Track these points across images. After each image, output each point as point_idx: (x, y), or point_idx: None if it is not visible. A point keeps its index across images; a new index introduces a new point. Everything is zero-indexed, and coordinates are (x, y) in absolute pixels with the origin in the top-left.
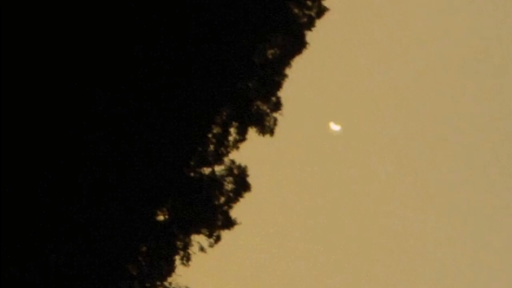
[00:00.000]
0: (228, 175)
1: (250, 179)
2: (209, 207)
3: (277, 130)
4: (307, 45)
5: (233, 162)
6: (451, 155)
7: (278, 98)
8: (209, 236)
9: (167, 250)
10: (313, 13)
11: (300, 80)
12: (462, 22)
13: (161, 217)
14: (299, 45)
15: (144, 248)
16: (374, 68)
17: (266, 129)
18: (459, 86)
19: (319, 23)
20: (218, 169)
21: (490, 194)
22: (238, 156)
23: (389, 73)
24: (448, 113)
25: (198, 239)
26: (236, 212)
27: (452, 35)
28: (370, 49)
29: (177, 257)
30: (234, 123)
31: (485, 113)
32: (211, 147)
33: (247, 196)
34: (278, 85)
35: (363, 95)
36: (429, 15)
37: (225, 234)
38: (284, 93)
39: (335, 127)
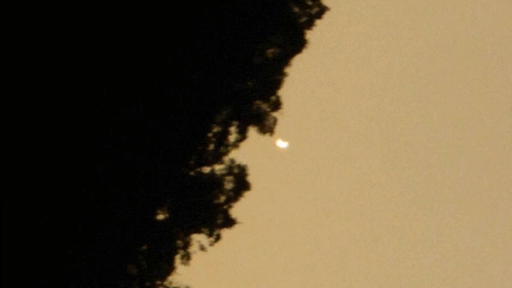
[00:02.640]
0: (228, 174)
1: (250, 178)
2: (209, 206)
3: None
4: (307, 44)
5: (233, 161)
6: (393, 163)
7: (278, 97)
8: (209, 235)
9: (167, 249)
10: (313, 12)
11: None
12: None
13: (161, 216)
14: (299, 44)
15: (144, 247)
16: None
17: (266, 128)
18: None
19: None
20: (218, 168)
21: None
22: (238, 155)
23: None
24: (392, 126)
25: (198, 238)
26: (236, 211)
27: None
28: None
29: (177, 256)
30: (234, 122)
31: (436, 127)
32: (211, 146)
33: (247, 195)
34: (278, 84)
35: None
36: (426, 20)
37: (225, 233)
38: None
39: (282, 144)
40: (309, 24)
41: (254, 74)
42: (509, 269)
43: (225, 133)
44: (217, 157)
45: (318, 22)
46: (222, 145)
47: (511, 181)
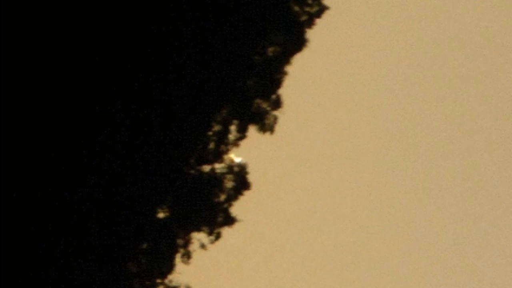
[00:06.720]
0: (228, 172)
1: (250, 177)
2: (209, 204)
3: (277, 128)
4: (307, 43)
5: (233, 160)
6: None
7: (278, 96)
8: (210, 233)
9: (167, 248)
10: (313, 11)
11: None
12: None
13: (161, 215)
14: (299, 43)
15: (144, 246)
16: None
17: (266, 127)
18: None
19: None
20: (218, 166)
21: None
22: (238, 154)
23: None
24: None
25: (199, 237)
26: (236, 209)
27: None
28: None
29: (178, 255)
30: (234, 121)
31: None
32: (211, 144)
33: (247, 193)
34: (278, 83)
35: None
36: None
37: (225, 231)
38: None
39: (236, 159)
40: (310, 23)
41: (254, 73)
42: (508, 269)
43: (225, 132)
44: (217, 156)
45: (318, 21)
46: (222, 144)
47: (510, 181)
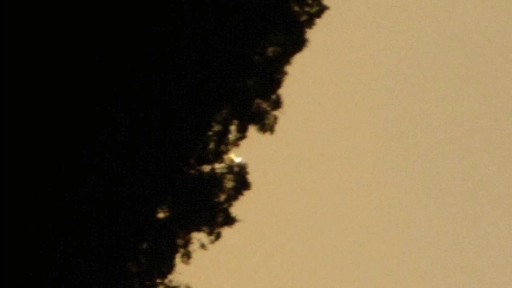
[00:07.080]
0: (228, 172)
1: (250, 177)
2: (209, 204)
3: (277, 128)
4: (307, 43)
5: (233, 160)
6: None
7: (278, 96)
8: (210, 233)
9: (167, 248)
10: (313, 11)
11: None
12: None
13: (161, 215)
14: (299, 43)
15: (144, 246)
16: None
17: (266, 127)
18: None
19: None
20: (218, 166)
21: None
22: (238, 154)
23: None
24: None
25: (199, 237)
26: (236, 209)
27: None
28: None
29: (178, 255)
30: (234, 121)
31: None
32: (212, 144)
33: (247, 193)
34: (278, 83)
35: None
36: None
37: (225, 231)
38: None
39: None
40: (310, 23)
41: (254, 73)
42: (508, 269)
43: (225, 132)
44: (217, 156)
45: (318, 21)
46: (222, 144)
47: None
